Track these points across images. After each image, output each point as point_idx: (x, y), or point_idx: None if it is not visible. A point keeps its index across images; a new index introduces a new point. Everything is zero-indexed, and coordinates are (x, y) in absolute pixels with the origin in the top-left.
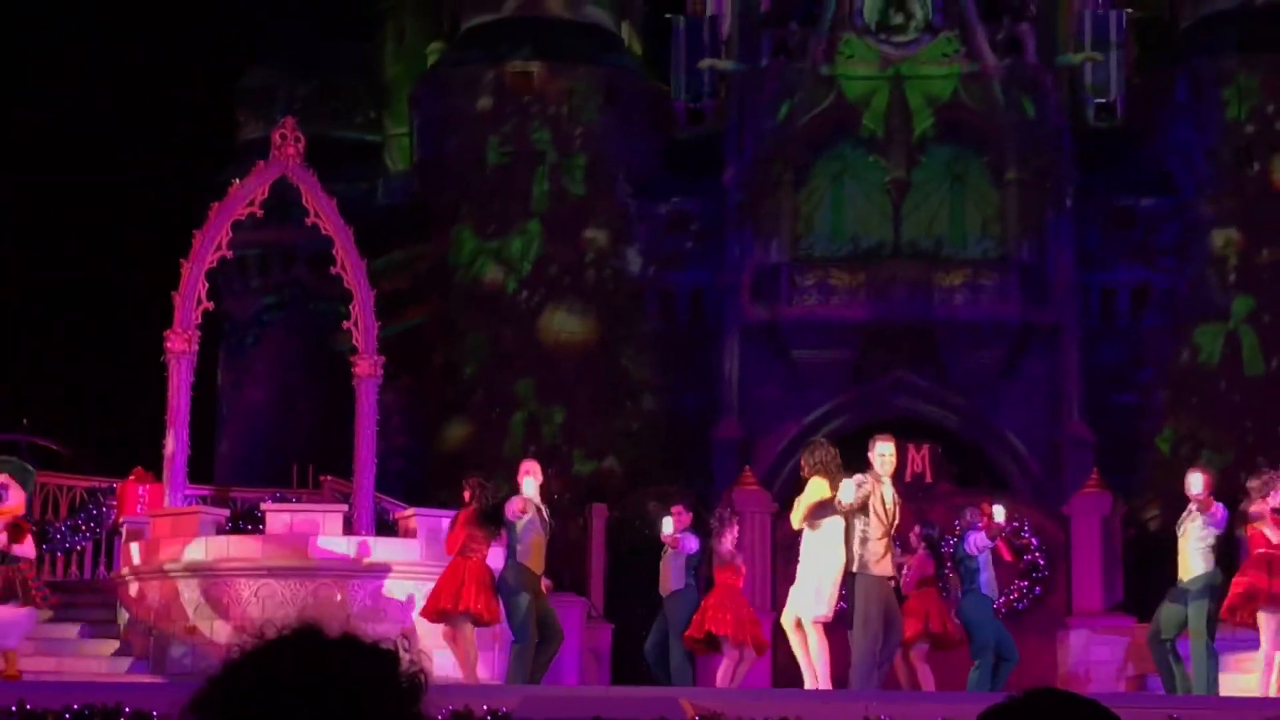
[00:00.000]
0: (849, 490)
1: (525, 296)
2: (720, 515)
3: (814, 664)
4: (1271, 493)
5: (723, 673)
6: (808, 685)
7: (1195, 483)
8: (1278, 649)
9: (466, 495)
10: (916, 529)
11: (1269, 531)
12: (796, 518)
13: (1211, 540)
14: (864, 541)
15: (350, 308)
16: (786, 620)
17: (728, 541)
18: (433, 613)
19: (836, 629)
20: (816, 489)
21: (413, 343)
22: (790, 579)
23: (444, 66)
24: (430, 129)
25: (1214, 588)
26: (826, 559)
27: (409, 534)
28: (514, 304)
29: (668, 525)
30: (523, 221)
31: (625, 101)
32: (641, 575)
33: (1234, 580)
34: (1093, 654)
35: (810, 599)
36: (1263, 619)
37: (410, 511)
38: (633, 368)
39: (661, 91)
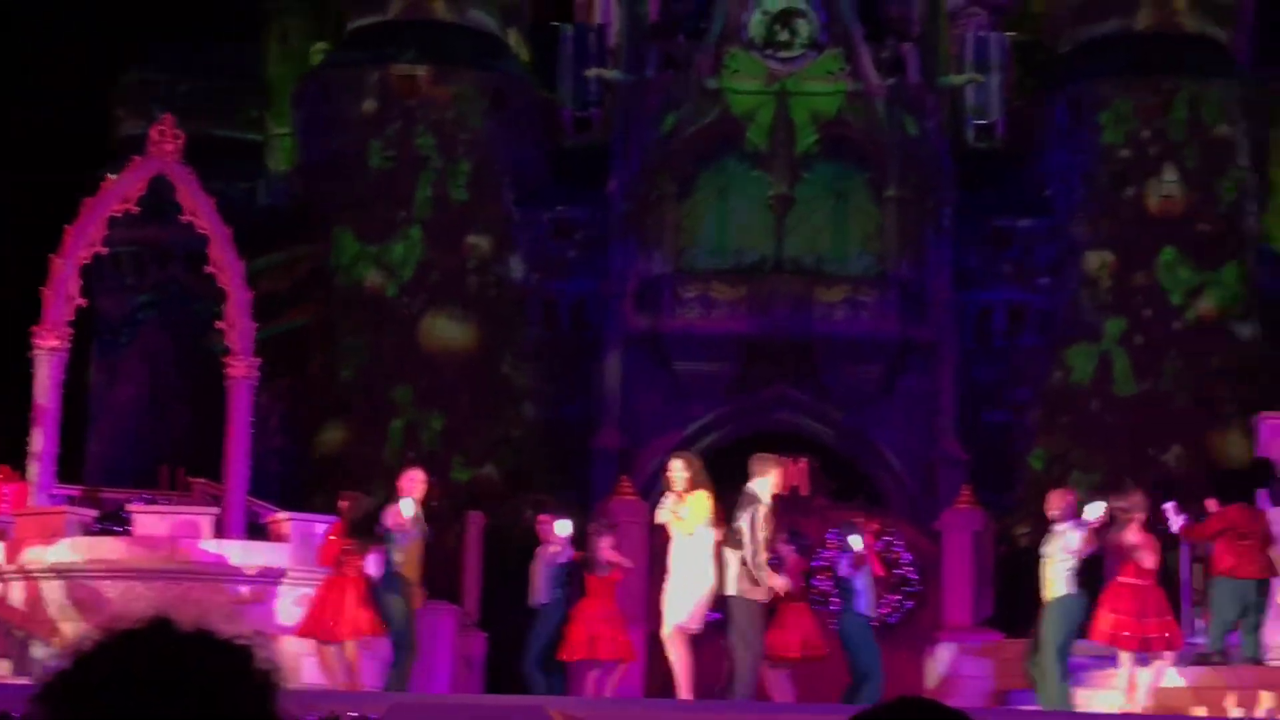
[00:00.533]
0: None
1: (406, 302)
2: (597, 524)
3: (675, 675)
4: (1139, 512)
5: (594, 682)
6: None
7: (1052, 503)
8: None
9: (343, 507)
10: (784, 540)
11: (1138, 555)
12: (688, 527)
13: (1072, 562)
14: (742, 563)
15: (225, 308)
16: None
17: (604, 550)
18: (311, 632)
19: (711, 640)
20: (704, 502)
21: (291, 345)
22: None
23: (328, 67)
24: (313, 130)
25: (1072, 609)
26: (701, 571)
27: (281, 538)
28: (395, 309)
29: (566, 528)
30: (405, 226)
31: (511, 108)
32: (517, 584)
33: (1102, 610)
34: (960, 669)
35: (681, 609)
36: (1124, 656)
37: (283, 516)
38: (514, 375)
39: (548, 99)
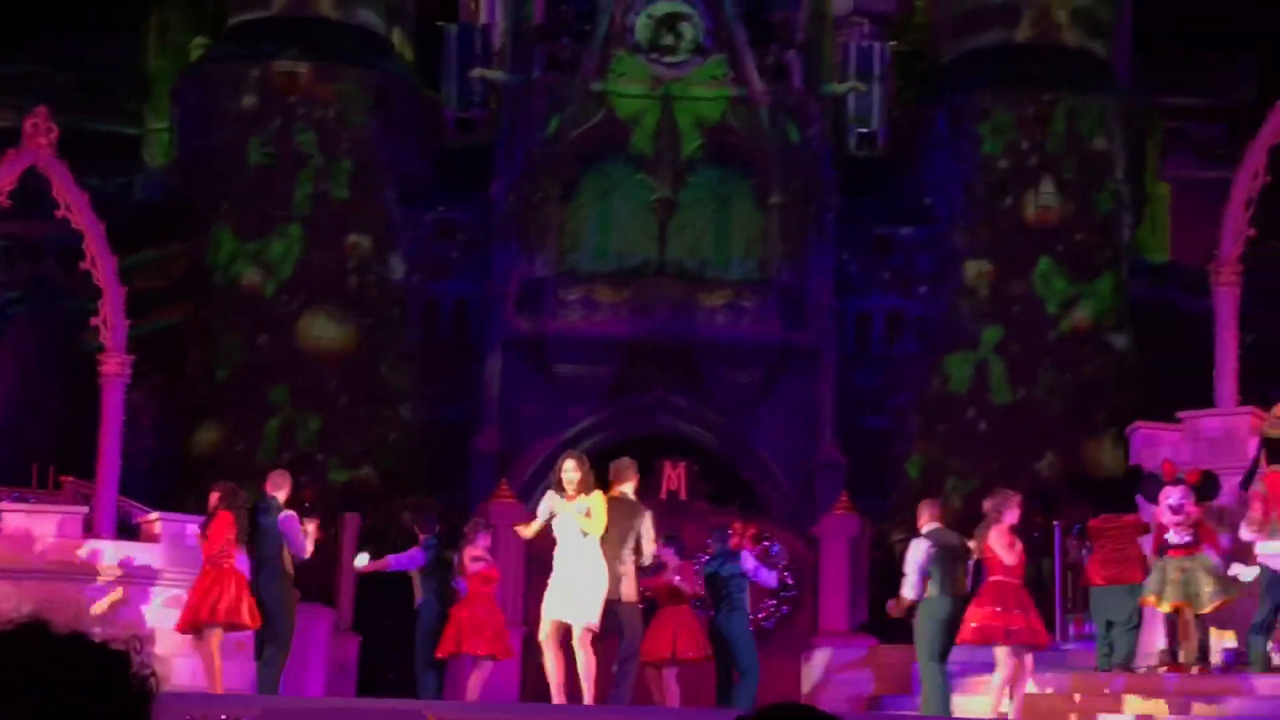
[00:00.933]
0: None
1: (284, 300)
2: (473, 524)
3: (581, 677)
4: (1005, 513)
5: (474, 683)
6: (554, 699)
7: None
8: (1008, 682)
9: (215, 499)
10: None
11: (1002, 554)
12: (596, 527)
13: (930, 567)
14: (624, 565)
15: (99, 305)
16: (546, 632)
17: (479, 549)
18: (189, 624)
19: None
20: (601, 501)
21: (166, 343)
22: (543, 590)
23: (208, 62)
24: (191, 125)
25: (941, 612)
26: (598, 571)
27: (152, 538)
28: (272, 308)
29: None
30: (284, 224)
31: (394, 107)
32: (393, 587)
33: (969, 611)
34: (835, 673)
35: (585, 608)
36: (999, 653)
37: (154, 515)
38: (393, 376)
39: (432, 99)
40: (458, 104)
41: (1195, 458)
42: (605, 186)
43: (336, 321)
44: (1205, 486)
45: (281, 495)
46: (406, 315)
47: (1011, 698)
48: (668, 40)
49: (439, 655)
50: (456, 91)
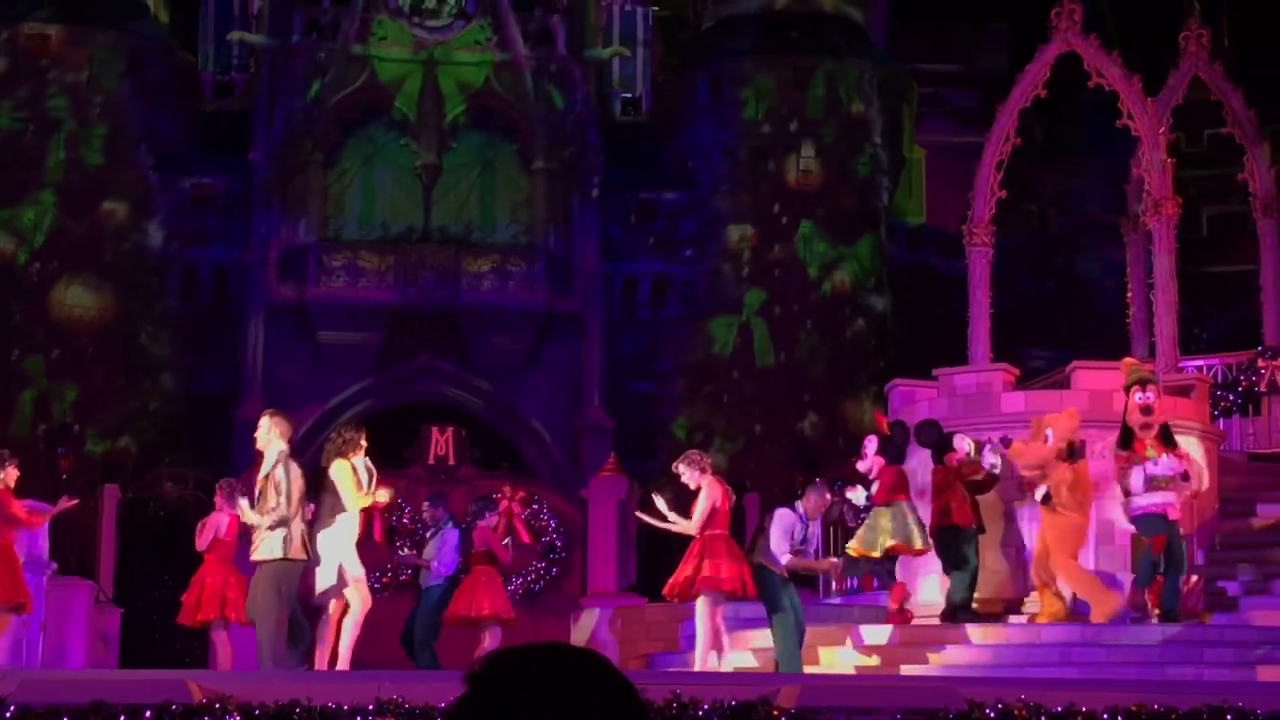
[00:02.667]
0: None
1: (37, 269)
2: (226, 489)
3: (341, 646)
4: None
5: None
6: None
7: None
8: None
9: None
10: (428, 505)
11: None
12: (353, 503)
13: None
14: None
15: None
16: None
17: (218, 518)
18: None
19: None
20: (347, 469)
21: None
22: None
23: None
24: None
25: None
26: (346, 538)
27: None
28: (25, 277)
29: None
30: (36, 191)
31: (149, 71)
32: (153, 558)
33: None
34: (604, 633)
35: (332, 578)
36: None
37: None
38: (152, 345)
39: (188, 62)
40: (215, 67)
41: (951, 413)
42: (368, 152)
43: (92, 290)
44: (889, 440)
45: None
46: (165, 283)
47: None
48: (430, 4)
49: (181, 621)
50: (214, 54)
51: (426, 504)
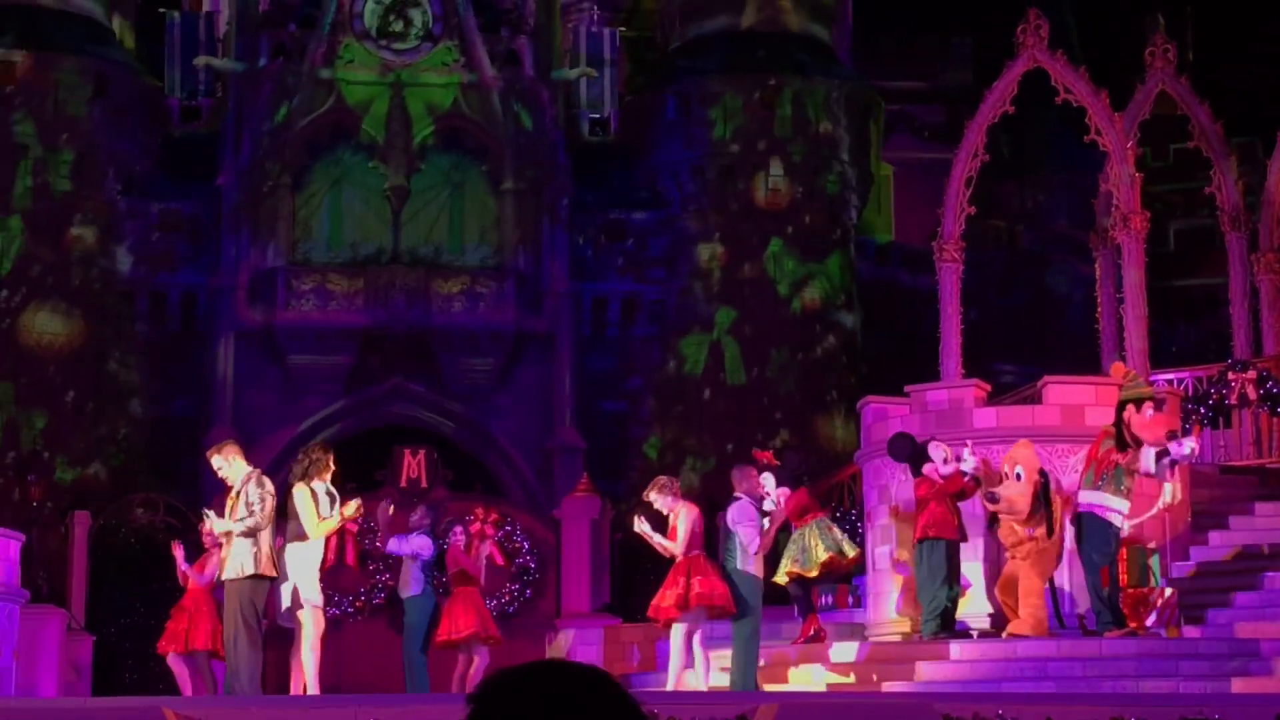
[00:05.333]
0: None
1: (5, 296)
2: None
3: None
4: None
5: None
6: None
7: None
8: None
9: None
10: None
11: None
12: (314, 529)
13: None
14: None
15: None
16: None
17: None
18: None
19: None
20: (307, 496)
21: None
22: None
23: None
24: None
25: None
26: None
27: None
28: None
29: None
30: (3, 217)
31: (116, 96)
32: (126, 585)
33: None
34: (579, 654)
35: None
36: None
37: None
38: (121, 371)
39: (155, 88)
40: (182, 92)
41: (923, 429)
42: (336, 174)
43: (61, 316)
44: (782, 469)
45: None
46: (134, 309)
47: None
48: (397, 26)
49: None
50: (180, 80)
51: (423, 508)
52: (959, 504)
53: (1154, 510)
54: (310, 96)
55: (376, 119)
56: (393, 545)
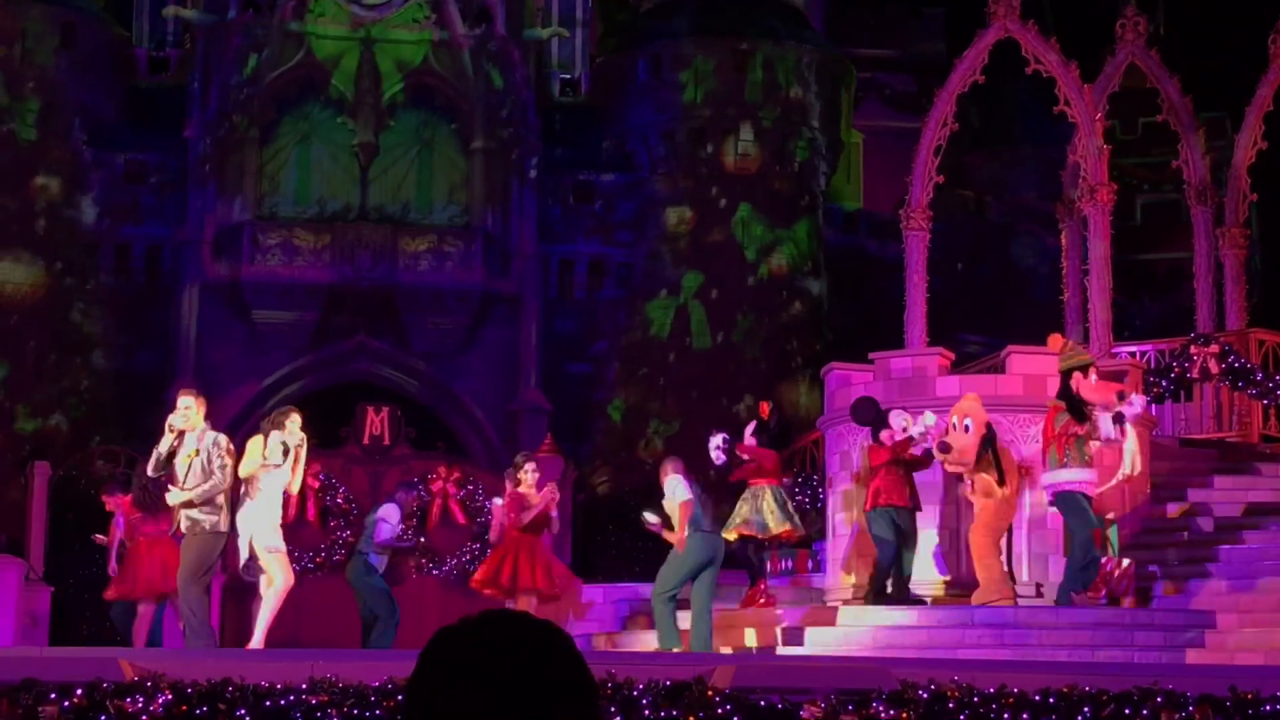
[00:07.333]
0: None
1: None
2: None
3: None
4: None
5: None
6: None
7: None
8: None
9: None
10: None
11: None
12: (244, 469)
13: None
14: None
15: None
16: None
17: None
18: None
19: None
20: (257, 442)
21: None
22: None
23: None
24: None
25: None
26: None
27: None
28: None
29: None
30: None
31: (82, 45)
32: (84, 537)
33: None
34: (541, 613)
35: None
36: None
37: None
38: (84, 323)
39: (123, 38)
40: (150, 43)
41: (886, 397)
42: (305, 129)
43: (24, 266)
44: (765, 424)
45: None
46: (98, 260)
47: None
48: None
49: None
50: (149, 30)
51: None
52: (913, 473)
53: (1114, 481)
54: (279, 50)
55: (346, 74)
56: (384, 534)
